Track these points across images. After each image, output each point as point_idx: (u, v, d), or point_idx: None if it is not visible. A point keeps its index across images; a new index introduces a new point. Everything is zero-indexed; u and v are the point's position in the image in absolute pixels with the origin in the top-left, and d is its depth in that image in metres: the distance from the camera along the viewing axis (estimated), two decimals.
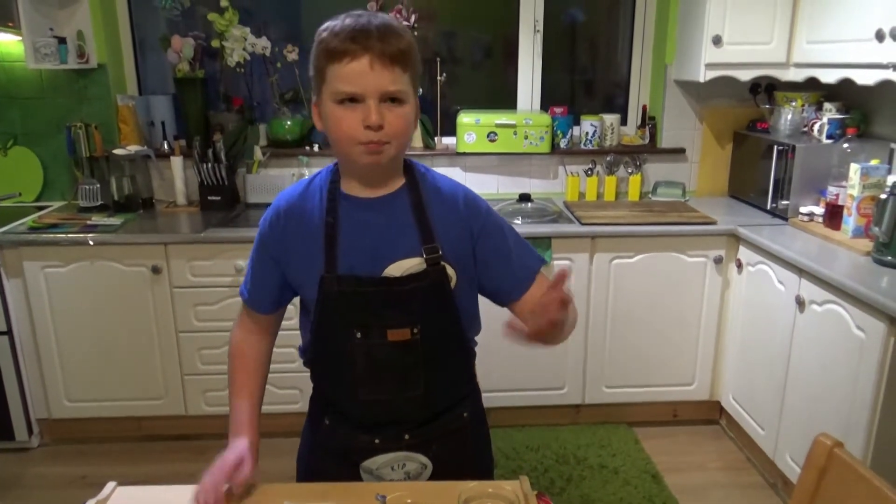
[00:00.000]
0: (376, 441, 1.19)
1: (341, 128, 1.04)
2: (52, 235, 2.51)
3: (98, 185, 2.85)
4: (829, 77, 2.48)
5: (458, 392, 1.26)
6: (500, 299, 1.21)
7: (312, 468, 1.29)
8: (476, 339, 1.27)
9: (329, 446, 1.24)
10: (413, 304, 1.12)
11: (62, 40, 2.71)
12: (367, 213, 1.12)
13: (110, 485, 1.18)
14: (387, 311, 1.12)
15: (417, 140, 3.13)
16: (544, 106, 3.21)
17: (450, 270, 1.13)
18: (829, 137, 2.63)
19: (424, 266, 1.11)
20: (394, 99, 1.03)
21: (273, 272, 1.18)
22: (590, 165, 3.09)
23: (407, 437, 1.19)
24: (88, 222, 2.65)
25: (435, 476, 1.23)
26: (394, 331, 1.12)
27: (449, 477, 1.21)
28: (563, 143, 3.10)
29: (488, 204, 1.20)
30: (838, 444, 0.96)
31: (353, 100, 1.02)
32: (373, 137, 1.03)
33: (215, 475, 1.10)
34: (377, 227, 1.12)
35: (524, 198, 2.88)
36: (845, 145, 2.48)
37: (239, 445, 1.16)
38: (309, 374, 1.26)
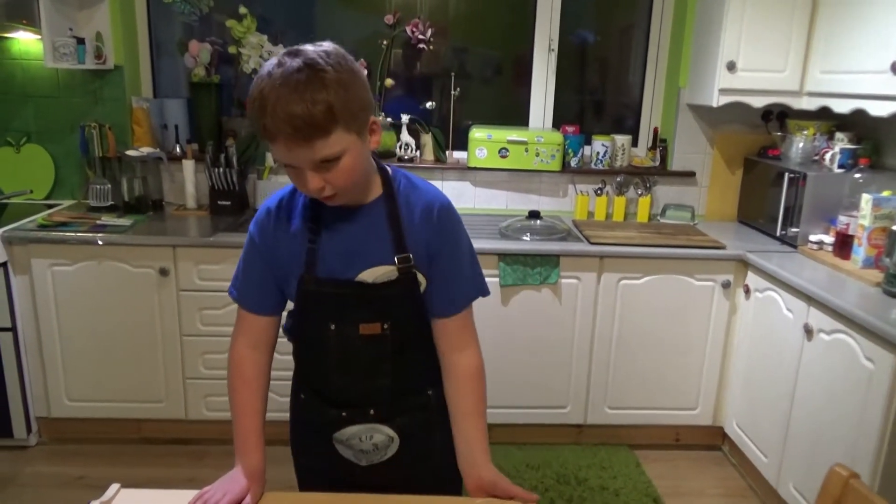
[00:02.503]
0: (343, 414, 1.25)
1: (292, 181, 1.12)
2: (61, 234, 2.52)
3: (109, 186, 2.86)
4: (842, 107, 2.49)
5: (423, 379, 1.30)
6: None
7: (295, 439, 1.37)
8: None
9: (305, 419, 1.32)
10: (385, 304, 1.19)
11: (81, 41, 2.73)
12: (345, 221, 1.18)
13: (114, 486, 1.17)
14: (360, 308, 1.18)
15: (428, 153, 3.14)
16: (555, 124, 3.22)
17: (420, 277, 1.19)
18: (840, 167, 2.63)
19: (397, 274, 1.17)
20: (329, 160, 1.04)
21: (265, 271, 1.22)
22: (599, 185, 3.09)
23: (372, 411, 1.25)
24: (98, 222, 2.65)
25: (403, 449, 1.27)
26: (366, 325, 1.19)
27: (415, 450, 1.28)
28: (573, 162, 3.11)
29: (460, 220, 1.25)
30: (854, 476, 0.95)
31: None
32: (317, 196, 1.09)
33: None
34: (354, 234, 1.17)
35: (533, 215, 2.88)
36: (857, 175, 2.48)
37: (245, 475, 1.19)
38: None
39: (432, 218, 1.20)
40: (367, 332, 1.19)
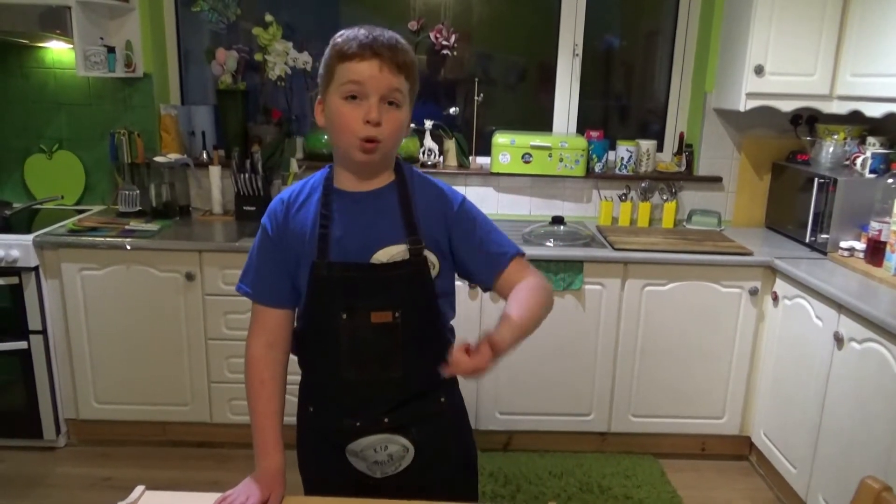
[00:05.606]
0: (357, 424, 1.24)
1: (344, 121, 1.14)
2: (90, 238, 2.57)
3: (137, 192, 2.91)
4: (874, 111, 2.44)
5: (434, 378, 1.25)
6: (480, 283, 1.30)
7: (305, 454, 1.35)
8: (453, 326, 1.32)
9: (315, 431, 1.31)
10: (395, 289, 1.20)
11: (111, 49, 2.79)
12: (358, 205, 1.21)
13: (139, 489, 1.19)
14: (371, 294, 1.19)
15: (452, 159, 3.14)
16: (580, 129, 3.20)
17: (432, 258, 1.22)
18: (872, 172, 2.58)
19: (408, 255, 1.19)
20: (391, 103, 1.14)
21: (279, 262, 1.24)
22: (624, 191, 3.07)
23: (386, 420, 1.24)
24: (126, 227, 2.70)
25: (417, 459, 1.27)
26: (377, 313, 1.19)
27: (430, 461, 1.27)
28: (598, 168, 3.09)
29: (464, 197, 1.28)
30: (887, 489, 0.93)
31: (355, 98, 1.12)
32: (371, 133, 1.12)
33: None
34: (367, 218, 1.21)
35: (557, 220, 2.86)
36: (890, 181, 2.43)
37: (266, 478, 1.21)
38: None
39: (440, 201, 1.24)
40: (379, 320, 1.19)
